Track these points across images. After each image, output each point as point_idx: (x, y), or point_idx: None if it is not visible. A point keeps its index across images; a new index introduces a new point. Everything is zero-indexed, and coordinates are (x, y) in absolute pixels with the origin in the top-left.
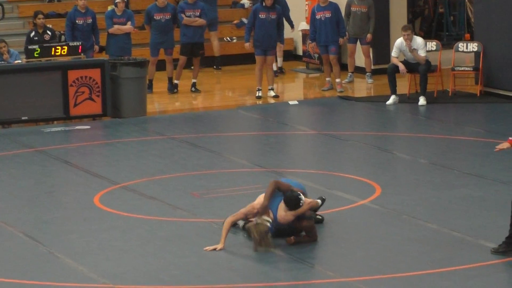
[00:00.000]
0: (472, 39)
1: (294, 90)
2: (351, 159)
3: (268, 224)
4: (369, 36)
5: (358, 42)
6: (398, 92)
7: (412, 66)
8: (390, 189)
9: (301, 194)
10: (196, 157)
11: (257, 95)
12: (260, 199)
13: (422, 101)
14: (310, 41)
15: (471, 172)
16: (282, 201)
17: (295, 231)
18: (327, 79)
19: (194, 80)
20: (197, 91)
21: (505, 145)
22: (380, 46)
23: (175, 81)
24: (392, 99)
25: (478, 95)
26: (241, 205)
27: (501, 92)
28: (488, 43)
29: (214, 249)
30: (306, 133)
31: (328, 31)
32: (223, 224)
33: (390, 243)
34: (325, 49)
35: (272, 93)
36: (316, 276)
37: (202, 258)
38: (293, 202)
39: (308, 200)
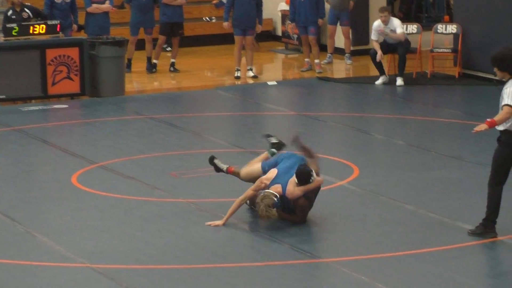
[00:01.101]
0: (451, 21)
1: (273, 70)
2: (329, 140)
3: (275, 199)
4: (351, 3)
5: (338, 23)
6: (374, 74)
7: (391, 47)
8: (368, 170)
9: (312, 170)
10: (174, 137)
11: (236, 75)
12: (271, 173)
13: (399, 81)
14: (290, 22)
15: (449, 153)
16: (294, 176)
17: (292, 210)
18: (306, 60)
19: (173, 60)
20: (175, 71)
21: (482, 126)
22: (360, 27)
23: (154, 61)
24: (381, 79)
25: (457, 77)
26: (220, 185)
27: (480, 74)
28: (467, 25)
29: (217, 226)
30: (284, 114)
31: (307, 12)
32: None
33: (367, 224)
34: (304, 29)
35: (251, 74)
36: (294, 257)
37: (180, 238)
38: (304, 176)
39: (319, 178)
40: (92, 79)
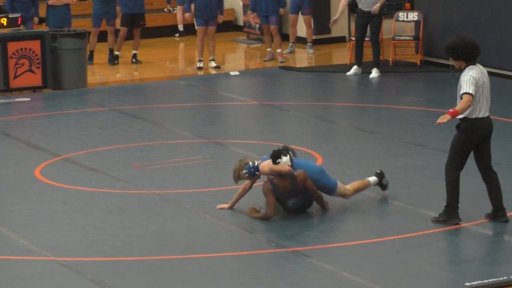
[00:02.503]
0: (412, 9)
1: (235, 60)
2: (292, 129)
3: (250, 163)
4: None
5: (300, 13)
6: (337, 63)
7: (363, 21)
8: (332, 159)
9: (287, 155)
10: (137, 128)
11: (198, 66)
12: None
13: (374, 73)
14: (251, 12)
15: (412, 141)
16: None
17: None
18: (268, 49)
19: (135, 51)
20: (138, 62)
21: (445, 117)
22: (321, 16)
23: (116, 53)
24: (353, 69)
25: (419, 64)
26: (184, 177)
27: (441, 61)
28: (428, 12)
29: (222, 208)
30: (247, 104)
31: (268, 1)
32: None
33: (331, 213)
34: (265, 19)
35: (213, 64)
36: (259, 247)
37: (144, 230)
38: (275, 153)
39: (287, 167)
40: (54, 72)
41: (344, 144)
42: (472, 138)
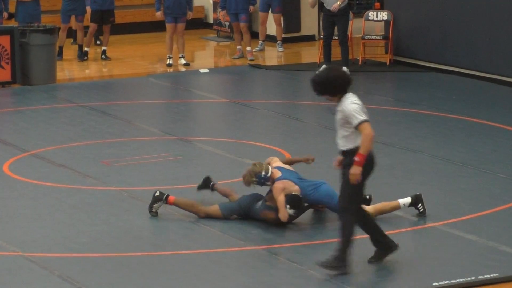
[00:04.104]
0: (382, 8)
1: (204, 58)
2: (261, 127)
3: (263, 173)
4: None
5: (270, 11)
6: (306, 61)
7: (330, 20)
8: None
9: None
10: (106, 125)
11: (167, 63)
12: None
13: None
14: (221, 9)
15: (380, 140)
16: (292, 185)
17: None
18: (238, 47)
19: (104, 48)
20: (107, 58)
21: (358, 169)
22: (291, 14)
23: (85, 49)
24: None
25: (388, 63)
26: (152, 174)
27: (410, 60)
28: (397, 12)
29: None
30: (216, 101)
31: None
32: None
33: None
34: (235, 17)
35: (182, 61)
36: (227, 244)
37: (112, 226)
38: (294, 200)
39: (285, 216)
40: (23, 67)
41: (312, 143)
42: (370, 171)
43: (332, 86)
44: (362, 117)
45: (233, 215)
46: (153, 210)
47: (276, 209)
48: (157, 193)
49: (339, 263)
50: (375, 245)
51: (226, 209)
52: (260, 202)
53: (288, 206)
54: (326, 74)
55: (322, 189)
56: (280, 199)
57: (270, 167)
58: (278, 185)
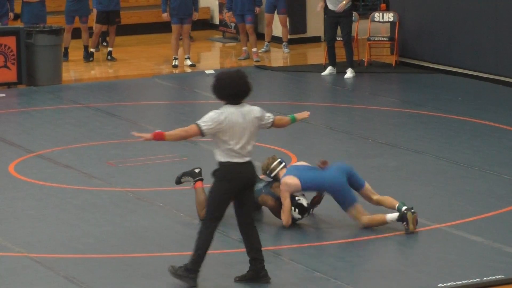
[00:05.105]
0: (387, 9)
1: (210, 59)
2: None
3: (267, 171)
4: None
5: (275, 12)
6: (312, 62)
7: (333, 21)
8: (305, 159)
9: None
10: (111, 125)
11: (173, 64)
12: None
13: (349, 73)
14: (227, 10)
15: (386, 141)
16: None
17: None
18: (244, 48)
19: (110, 49)
20: (113, 59)
21: (145, 135)
22: (297, 16)
23: (91, 50)
24: (328, 70)
25: (394, 65)
26: (157, 174)
27: (416, 62)
28: (403, 13)
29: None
30: (222, 103)
31: (244, 0)
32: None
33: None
34: (241, 18)
35: (188, 62)
36: (232, 245)
37: (118, 227)
38: (302, 208)
39: (288, 211)
40: (29, 68)
41: (318, 144)
42: (229, 187)
43: (216, 91)
44: (199, 120)
45: None
46: (182, 180)
47: (278, 198)
48: (197, 170)
49: (188, 274)
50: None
51: None
52: (263, 184)
53: (296, 210)
54: (221, 77)
55: (325, 179)
56: (286, 203)
57: (277, 168)
58: (282, 187)
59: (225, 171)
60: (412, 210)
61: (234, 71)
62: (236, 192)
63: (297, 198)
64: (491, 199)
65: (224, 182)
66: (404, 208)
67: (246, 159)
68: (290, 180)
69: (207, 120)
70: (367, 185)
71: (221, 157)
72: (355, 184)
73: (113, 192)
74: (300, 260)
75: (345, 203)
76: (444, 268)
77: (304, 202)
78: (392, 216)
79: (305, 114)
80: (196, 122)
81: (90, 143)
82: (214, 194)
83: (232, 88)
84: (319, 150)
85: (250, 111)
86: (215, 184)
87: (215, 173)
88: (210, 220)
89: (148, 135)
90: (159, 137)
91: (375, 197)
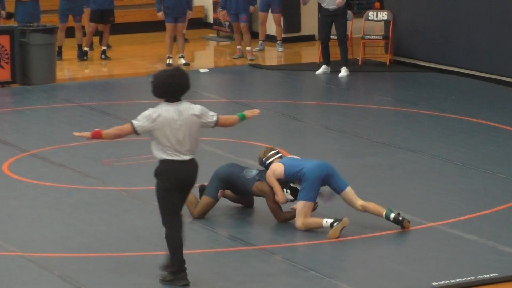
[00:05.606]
0: (382, 8)
1: (204, 58)
2: (261, 127)
3: (264, 158)
4: None
5: (269, 11)
6: (306, 61)
7: (328, 20)
8: (300, 157)
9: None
10: (106, 124)
11: (167, 62)
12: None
13: (343, 72)
14: (221, 9)
15: (380, 140)
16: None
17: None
18: (238, 47)
19: (104, 48)
20: (107, 58)
21: (85, 134)
22: (291, 14)
23: (85, 48)
24: (323, 69)
25: (388, 63)
26: (151, 174)
27: (410, 60)
28: (397, 12)
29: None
30: (216, 101)
31: None
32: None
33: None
34: (235, 17)
35: (182, 61)
36: (226, 244)
37: (112, 226)
38: (295, 192)
39: (282, 197)
40: (22, 67)
41: (312, 143)
42: (169, 184)
43: (152, 89)
44: (134, 119)
45: (219, 191)
46: None
47: None
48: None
49: (175, 276)
50: (164, 269)
51: (210, 191)
52: (254, 172)
53: (288, 191)
54: (157, 75)
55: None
56: (275, 183)
57: (273, 157)
58: (268, 172)
59: (162, 169)
60: (401, 218)
61: (171, 69)
62: (178, 190)
63: (292, 185)
64: (486, 197)
65: (163, 181)
66: (392, 215)
67: (186, 157)
68: (275, 166)
69: (140, 119)
70: (349, 189)
71: (159, 155)
72: (334, 185)
73: (107, 191)
74: (294, 259)
75: (305, 196)
76: (439, 266)
77: (298, 186)
78: (328, 221)
79: (255, 111)
80: (132, 120)
81: (85, 142)
82: (158, 193)
83: (166, 86)
84: (313, 148)
85: (187, 108)
86: (156, 183)
87: (155, 172)
88: (169, 220)
89: (87, 134)
90: (97, 136)
91: (360, 202)
